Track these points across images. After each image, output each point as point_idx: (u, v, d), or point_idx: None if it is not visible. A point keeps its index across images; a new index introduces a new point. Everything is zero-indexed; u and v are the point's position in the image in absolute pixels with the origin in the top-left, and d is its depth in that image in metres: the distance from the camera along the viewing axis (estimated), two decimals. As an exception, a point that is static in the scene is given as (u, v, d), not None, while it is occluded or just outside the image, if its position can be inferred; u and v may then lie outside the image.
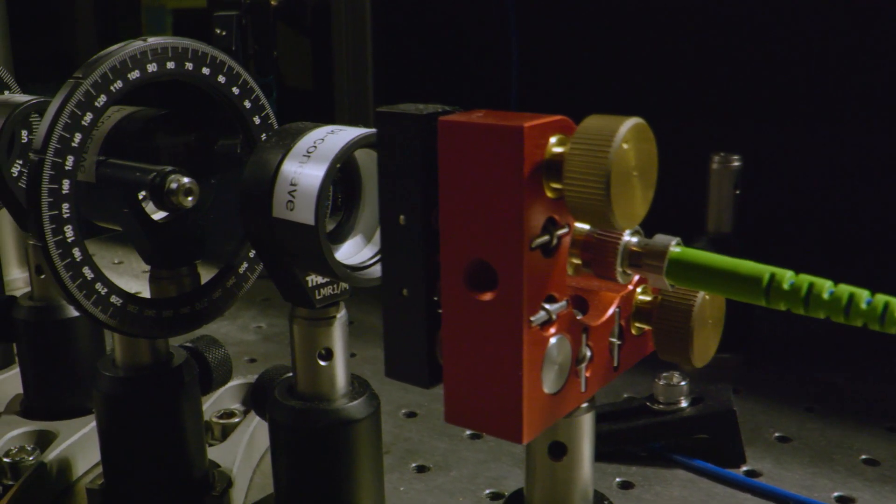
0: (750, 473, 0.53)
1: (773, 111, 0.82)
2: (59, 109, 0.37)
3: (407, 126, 0.30)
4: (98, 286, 0.39)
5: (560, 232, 0.29)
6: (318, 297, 0.39)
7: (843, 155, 0.79)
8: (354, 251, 0.40)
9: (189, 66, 0.41)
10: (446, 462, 0.54)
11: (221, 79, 0.42)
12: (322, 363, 0.40)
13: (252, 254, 0.45)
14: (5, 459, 0.51)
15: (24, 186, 0.59)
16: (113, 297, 0.40)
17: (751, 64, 0.83)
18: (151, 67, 0.39)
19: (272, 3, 0.86)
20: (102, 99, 0.38)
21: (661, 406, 0.54)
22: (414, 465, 0.53)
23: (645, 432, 0.53)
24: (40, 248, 0.38)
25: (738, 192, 0.65)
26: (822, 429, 0.58)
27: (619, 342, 0.34)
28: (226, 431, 0.54)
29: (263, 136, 0.44)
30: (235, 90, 0.42)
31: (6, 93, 0.60)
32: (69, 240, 0.38)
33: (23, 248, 0.89)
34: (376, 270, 0.39)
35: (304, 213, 0.36)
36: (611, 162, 0.27)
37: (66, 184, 0.38)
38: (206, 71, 0.41)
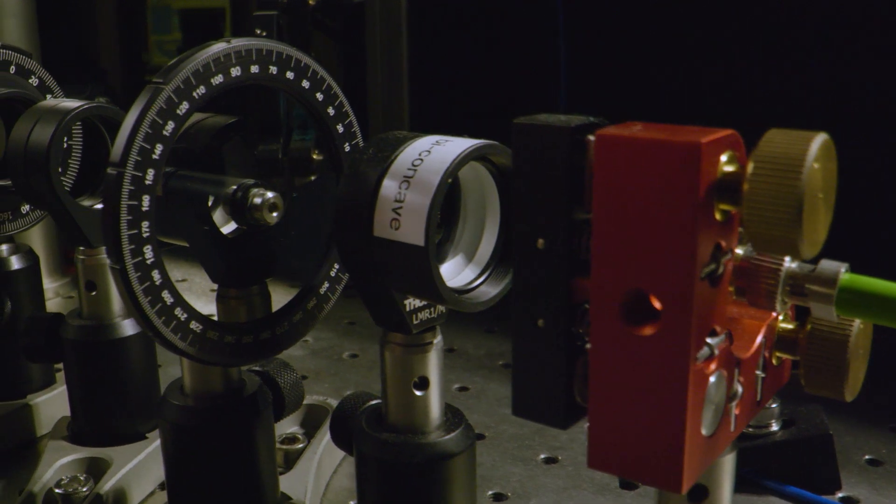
0: (846, 500, 0.50)
1: (836, 117, 0.79)
2: (139, 118, 0.34)
3: (552, 140, 0.27)
4: (178, 311, 0.36)
5: (725, 258, 0.26)
6: (415, 322, 0.36)
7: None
8: (455, 272, 0.37)
9: (273, 69, 0.37)
10: (524, 489, 0.50)
11: (305, 83, 0.39)
12: (417, 393, 0.37)
13: (333, 273, 0.42)
14: (57, 490, 0.47)
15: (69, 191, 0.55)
16: (192, 322, 0.36)
17: (813, 65, 0.80)
18: (235, 71, 0.36)
19: (310, 2, 0.83)
20: (185, 106, 0.35)
21: (751, 429, 0.51)
22: (490, 492, 0.50)
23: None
24: (117, 270, 0.34)
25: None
26: (912, 451, 0.55)
27: (763, 375, 0.31)
28: (289, 458, 0.50)
29: (347, 147, 0.41)
30: (319, 96, 0.39)
31: (48, 97, 0.57)
32: (149, 261, 0.35)
33: (53, 257, 0.85)
34: (483, 293, 0.36)
35: (413, 233, 0.33)
36: (804, 185, 0.24)
37: (146, 200, 0.34)
38: (290, 75, 0.38)
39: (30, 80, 0.56)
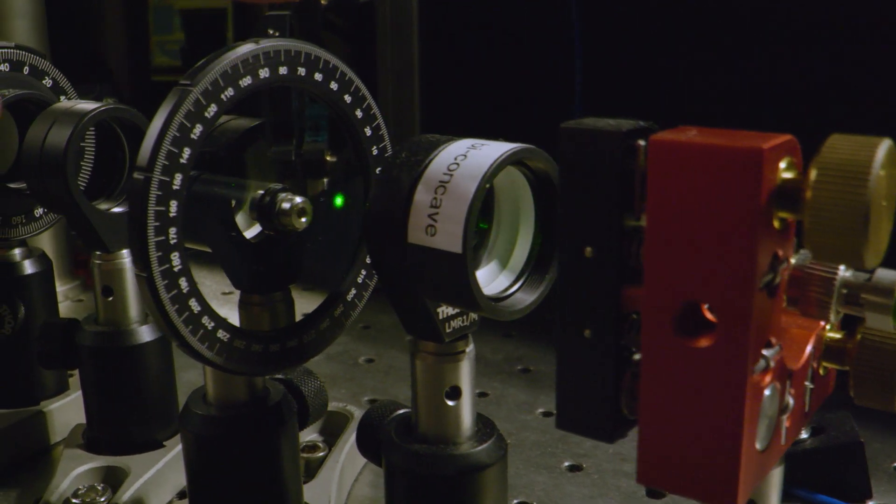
0: (877, 509, 0.49)
1: (864, 116, 0.78)
2: (166, 121, 0.33)
3: (602, 145, 0.26)
4: (205, 320, 0.35)
5: (782, 268, 0.26)
6: (447, 331, 0.35)
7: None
8: (490, 279, 0.36)
9: (301, 71, 0.37)
10: (550, 498, 0.49)
11: (334, 85, 0.38)
12: (449, 403, 0.36)
13: (360, 279, 0.41)
14: (74, 500, 0.47)
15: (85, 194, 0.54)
16: (220, 331, 0.36)
17: (821, 67, 0.79)
18: (263, 73, 0.35)
19: (322, 2, 0.82)
20: (213, 109, 0.34)
21: (779, 437, 0.50)
22: (515, 501, 0.49)
23: (763, 465, 0.50)
24: (143, 278, 0.34)
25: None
26: (940, 458, 0.54)
27: (811, 386, 0.31)
28: (310, 466, 0.49)
29: (374, 150, 0.40)
30: (347, 98, 0.38)
31: (62, 98, 0.56)
32: (176, 269, 0.34)
33: (62, 260, 0.84)
34: (518, 301, 0.35)
35: (449, 240, 0.32)
36: (870, 192, 0.23)
37: (173, 206, 0.33)
38: (318, 77, 0.37)
39: (43, 81, 0.55)
